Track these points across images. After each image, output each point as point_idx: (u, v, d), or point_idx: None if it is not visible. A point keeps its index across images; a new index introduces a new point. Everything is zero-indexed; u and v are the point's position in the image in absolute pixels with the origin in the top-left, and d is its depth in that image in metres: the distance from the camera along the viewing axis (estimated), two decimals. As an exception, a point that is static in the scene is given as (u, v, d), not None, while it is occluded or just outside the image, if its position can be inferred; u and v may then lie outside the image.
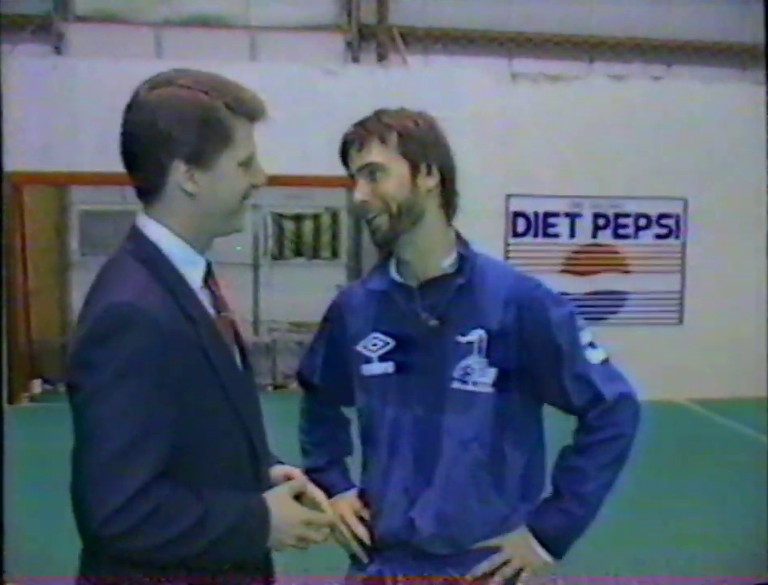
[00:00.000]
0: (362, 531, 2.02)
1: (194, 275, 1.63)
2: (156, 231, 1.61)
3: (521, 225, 9.08)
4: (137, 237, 1.61)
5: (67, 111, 8.05)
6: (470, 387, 1.91)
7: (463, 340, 1.91)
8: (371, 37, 10.56)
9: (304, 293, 9.17)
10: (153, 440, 1.47)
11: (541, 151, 8.74)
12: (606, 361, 1.98)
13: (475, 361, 1.91)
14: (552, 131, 8.76)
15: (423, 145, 1.90)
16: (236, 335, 1.75)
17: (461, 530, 1.93)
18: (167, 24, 10.08)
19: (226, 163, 1.59)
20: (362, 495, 2.07)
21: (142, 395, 1.46)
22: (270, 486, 1.70)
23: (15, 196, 8.51)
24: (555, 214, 9.10)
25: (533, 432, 2.01)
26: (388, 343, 1.97)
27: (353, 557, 2.05)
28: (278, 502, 1.63)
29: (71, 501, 1.49)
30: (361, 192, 1.89)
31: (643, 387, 7.34)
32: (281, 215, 10.82)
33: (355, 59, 10.41)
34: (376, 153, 1.87)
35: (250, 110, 1.62)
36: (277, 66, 8.85)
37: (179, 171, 1.57)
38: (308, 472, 2.11)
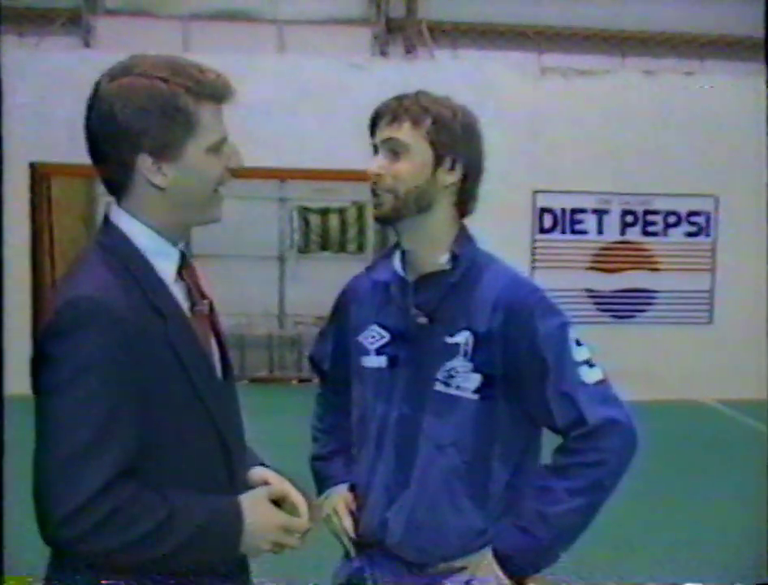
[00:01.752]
0: (348, 525, 1.97)
1: (167, 268, 1.57)
2: (127, 223, 1.55)
3: (548, 221, 9.00)
4: (109, 229, 1.56)
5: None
6: (452, 391, 1.83)
7: (450, 340, 1.83)
8: (399, 31, 10.52)
9: (329, 287, 9.11)
10: (114, 440, 1.42)
11: (570, 147, 8.67)
12: (601, 383, 1.83)
13: (460, 364, 1.82)
14: (581, 126, 8.68)
15: (453, 139, 1.84)
16: (215, 330, 1.69)
17: (431, 539, 1.85)
18: (195, 18, 10.10)
19: (194, 152, 1.52)
20: (353, 488, 2.02)
21: (102, 392, 1.41)
22: (248, 488, 1.64)
23: (43, 187, 8.57)
24: (583, 211, 9.02)
25: (524, 445, 1.89)
26: (384, 336, 1.92)
27: (346, 551, 2.01)
28: (254, 506, 1.56)
29: (33, 502, 1.42)
30: (378, 163, 1.84)
31: (670, 387, 7.34)
32: (307, 209, 10.83)
33: (383, 53, 10.37)
34: (405, 132, 1.82)
35: (214, 92, 1.53)
36: (304, 59, 8.84)
37: (145, 166, 1.50)
38: (313, 459, 2.11)
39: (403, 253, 1.93)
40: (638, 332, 8.97)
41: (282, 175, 9.62)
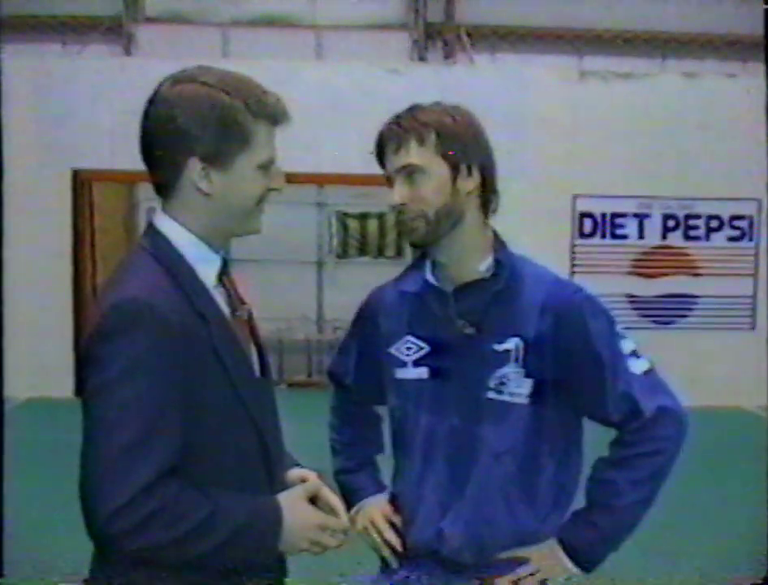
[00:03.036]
0: (392, 537, 1.97)
1: (208, 273, 1.61)
2: (171, 229, 1.59)
3: (588, 226, 8.93)
4: (153, 234, 1.60)
5: (136, 111, 8.15)
6: (506, 398, 1.83)
7: (499, 348, 1.83)
8: (438, 36, 10.51)
9: (368, 292, 9.16)
10: (160, 438, 1.45)
11: (610, 150, 8.60)
12: (649, 372, 1.87)
13: (511, 371, 1.83)
14: (621, 130, 8.60)
15: (463, 145, 1.83)
16: (254, 335, 1.72)
17: (487, 542, 1.86)
18: (234, 24, 10.17)
19: (244, 165, 1.57)
20: (393, 499, 2.02)
21: (149, 392, 1.44)
22: (285, 488, 1.67)
23: (84, 193, 8.68)
24: (623, 215, 8.93)
25: (570, 440, 1.92)
26: (422, 348, 1.91)
27: (383, 561, 2.01)
28: (292, 504, 1.59)
29: (80, 499, 1.47)
30: (399, 194, 1.82)
31: (711, 393, 7.24)
32: (346, 214, 10.85)
33: (422, 58, 10.36)
34: (414, 155, 1.80)
35: (272, 114, 1.59)
36: (341, 65, 8.87)
37: (194, 170, 1.54)
38: (337, 473, 2.10)
39: (434, 262, 1.92)
40: (679, 338, 8.86)
41: (320, 181, 9.65)
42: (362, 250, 10.91)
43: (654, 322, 8.96)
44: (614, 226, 8.95)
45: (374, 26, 10.36)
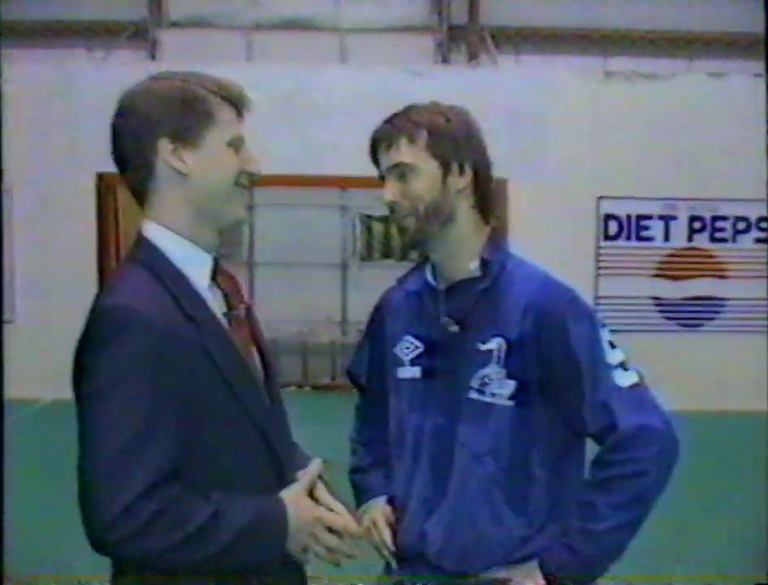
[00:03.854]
0: (388, 538, 1.94)
1: (199, 274, 1.59)
2: (157, 234, 1.59)
3: (613, 228, 8.88)
4: (139, 241, 1.61)
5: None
6: (487, 399, 1.79)
7: (482, 347, 1.80)
8: (461, 38, 10.49)
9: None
10: (155, 443, 1.44)
11: (635, 152, 8.54)
12: (636, 386, 1.77)
13: (493, 371, 1.79)
14: (646, 131, 8.55)
15: (454, 143, 1.82)
16: (255, 335, 1.70)
17: (472, 548, 1.82)
18: (258, 28, 10.20)
19: (213, 141, 1.57)
20: (391, 500, 2.00)
21: (140, 398, 1.43)
22: None
23: (110, 197, 8.74)
24: (649, 217, 8.88)
25: (564, 449, 1.85)
26: (417, 347, 1.90)
27: (387, 563, 1.99)
28: (294, 500, 1.58)
29: (79, 507, 1.46)
30: (390, 192, 1.84)
31: (738, 397, 7.14)
32: (369, 217, 10.86)
33: (445, 60, 10.35)
34: (405, 153, 1.81)
35: (231, 95, 1.59)
36: (364, 68, 8.88)
37: (165, 150, 1.55)
38: (352, 472, 2.09)
39: (433, 262, 1.92)
40: (706, 341, 8.78)
41: (344, 183, 9.66)
42: (386, 252, 10.91)
43: (680, 325, 8.89)
44: (639, 228, 8.90)
45: (398, 29, 10.36)
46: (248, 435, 1.58)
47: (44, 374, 6.39)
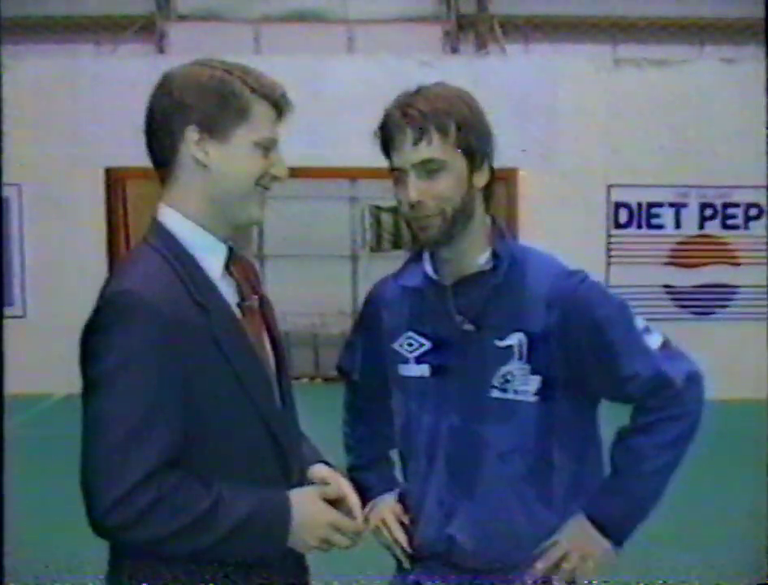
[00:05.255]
0: (402, 538, 1.93)
1: (213, 263, 1.58)
2: (173, 219, 1.58)
3: (624, 216, 8.82)
4: (155, 227, 1.60)
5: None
6: (510, 396, 1.76)
7: (501, 344, 1.76)
8: (470, 27, 10.45)
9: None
10: (157, 430, 1.44)
11: (645, 139, 8.49)
12: (665, 344, 1.81)
13: (516, 368, 1.75)
14: (657, 118, 8.49)
15: (479, 136, 1.73)
16: (268, 325, 1.69)
17: (506, 548, 1.81)
18: (266, 20, 10.18)
19: (241, 139, 1.55)
20: (402, 498, 1.98)
21: (144, 384, 1.43)
22: (304, 483, 1.66)
23: (118, 191, 8.74)
24: (660, 205, 8.81)
25: (586, 433, 1.86)
26: (423, 344, 1.85)
27: (398, 562, 1.97)
28: (304, 501, 1.57)
29: (81, 493, 1.47)
30: (416, 190, 1.70)
31: (751, 385, 7.08)
32: (379, 208, 10.84)
33: (455, 50, 10.31)
34: (436, 148, 1.69)
35: (271, 95, 1.57)
36: (372, 59, 8.83)
37: (191, 139, 1.54)
38: (350, 470, 2.05)
39: (433, 255, 1.85)
40: (718, 329, 8.73)
41: (353, 175, 9.64)
42: (396, 243, 10.89)
43: (693, 313, 8.84)
44: (650, 216, 8.84)
45: (406, 19, 10.32)
46: (251, 425, 1.57)
47: (56, 369, 6.41)
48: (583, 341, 1.74)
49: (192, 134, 1.54)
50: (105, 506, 1.41)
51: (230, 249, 1.62)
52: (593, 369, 1.76)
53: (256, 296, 1.68)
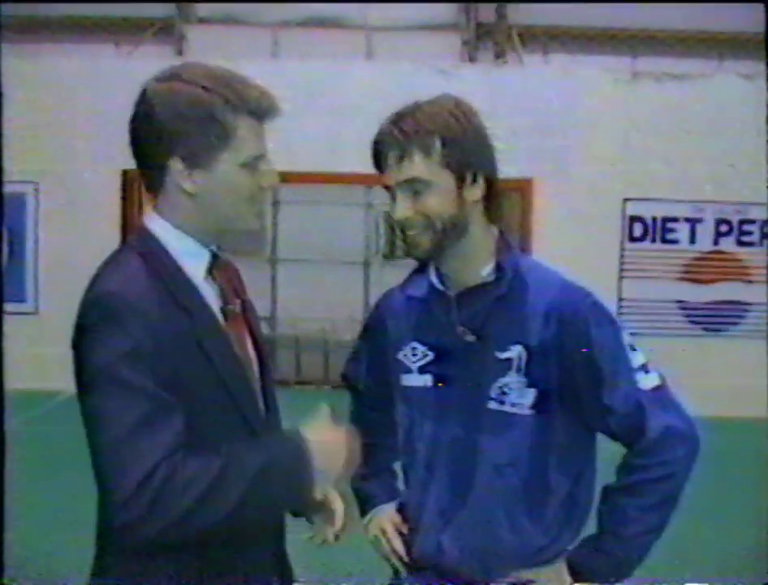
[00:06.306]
0: (400, 548, 1.93)
1: (196, 267, 1.58)
2: (158, 225, 1.58)
3: (638, 230, 8.79)
4: (140, 231, 1.60)
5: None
6: (507, 408, 1.76)
7: (501, 356, 1.75)
8: (488, 37, 10.44)
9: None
10: (161, 422, 1.43)
11: (662, 153, 8.47)
12: (658, 388, 1.76)
13: (513, 380, 1.75)
14: (674, 132, 8.47)
15: (468, 152, 1.72)
16: (251, 329, 1.69)
17: (489, 559, 1.80)
18: (285, 25, 10.20)
19: (227, 164, 1.53)
20: (402, 508, 1.98)
21: (134, 383, 1.43)
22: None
23: (134, 192, 8.78)
24: (675, 220, 8.78)
25: (582, 454, 1.84)
26: (427, 354, 1.84)
27: (395, 571, 1.97)
28: (316, 427, 1.56)
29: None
30: (402, 209, 1.72)
31: (764, 403, 6.99)
32: (392, 215, 10.84)
33: (472, 59, 10.30)
34: (419, 167, 1.70)
35: (255, 109, 1.55)
36: (391, 66, 8.85)
37: (176, 169, 1.53)
38: (353, 480, 2.01)
39: (437, 266, 1.86)
40: (730, 346, 8.69)
41: (368, 181, 9.64)
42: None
43: (705, 329, 8.80)
44: (664, 230, 8.81)
45: (424, 26, 10.32)
46: (236, 429, 1.57)
47: (68, 366, 6.42)
48: (575, 359, 1.73)
49: (176, 165, 1.53)
50: (116, 505, 1.40)
51: (214, 254, 1.63)
52: (581, 391, 1.75)
53: (239, 301, 1.68)
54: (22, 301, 8.42)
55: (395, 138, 1.72)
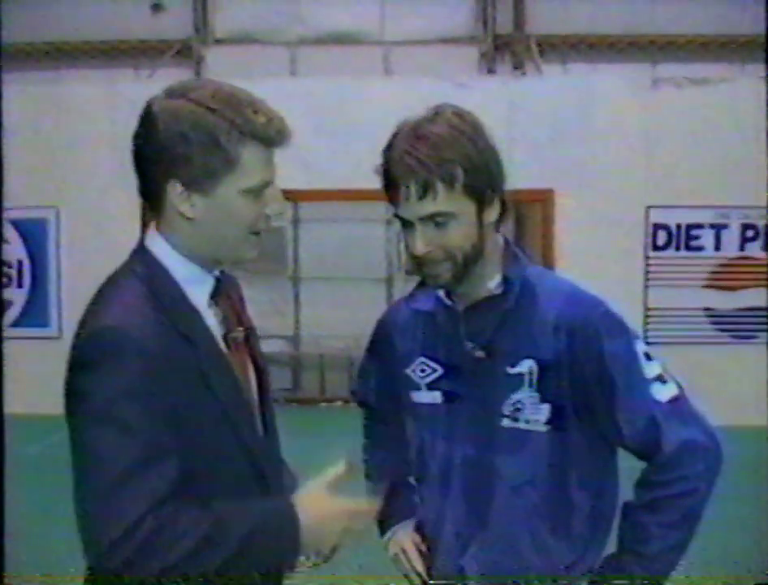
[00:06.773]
0: (421, 568, 1.88)
1: (199, 294, 1.55)
2: (160, 247, 1.54)
3: (662, 238, 8.70)
4: (141, 253, 1.56)
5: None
6: (522, 426, 1.71)
7: (512, 371, 1.71)
8: (506, 47, 10.41)
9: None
10: (153, 469, 1.39)
11: (684, 159, 8.39)
12: (676, 399, 1.69)
13: (526, 396, 1.70)
14: (696, 137, 8.38)
15: (487, 175, 1.66)
16: (253, 356, 1.66)
17: (516, 581, 1.74)
18: (302, 42, 10.23)
19: (228, 190, 1.48)
20: (420, 525, 1.94)
21: (136, 423, 1.39)
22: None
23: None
24: (699, 226, 8.68)
25: (603, 467, 1.79)
26: (436, 370, 1.80)
27: None
28: (311, 499, 1.50)
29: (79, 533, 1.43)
30: (424, 244, 1.66)
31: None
32: (414, 230, 10.83)
33: (491, 70, 10.28)
34: (443, 201, 1.63)
35: (262, 134, 1.48)
36: (408, 80, 8.84)
37: (174, 192, 1.48)
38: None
39: None
40: (759, 353, 8.55)
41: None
42: (431, 266, 10.86)
43: (733, 336, 8.69)
44: (689, 237, 8.72)
45: (442, 40, 10.31)
46: (237, 457, 1.54)
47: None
48: (587, 372, 1.68)
49: (174, 188, 1.48)
50: (105, 547, 1.36)
51: (218, 280, 1.59)
52: (594, 403, 1.70)
53: (242, 329, 1.64)
54: (45, 325, 8.45)
55: (416, 170, 1.64)
